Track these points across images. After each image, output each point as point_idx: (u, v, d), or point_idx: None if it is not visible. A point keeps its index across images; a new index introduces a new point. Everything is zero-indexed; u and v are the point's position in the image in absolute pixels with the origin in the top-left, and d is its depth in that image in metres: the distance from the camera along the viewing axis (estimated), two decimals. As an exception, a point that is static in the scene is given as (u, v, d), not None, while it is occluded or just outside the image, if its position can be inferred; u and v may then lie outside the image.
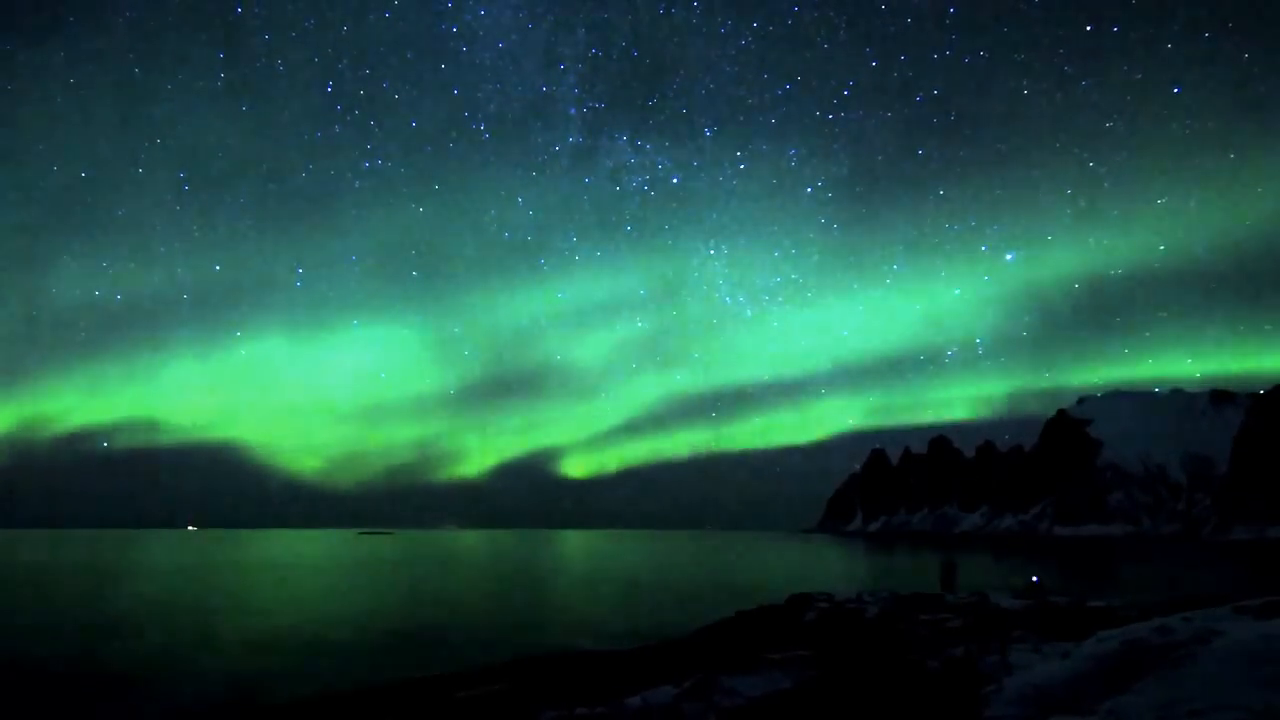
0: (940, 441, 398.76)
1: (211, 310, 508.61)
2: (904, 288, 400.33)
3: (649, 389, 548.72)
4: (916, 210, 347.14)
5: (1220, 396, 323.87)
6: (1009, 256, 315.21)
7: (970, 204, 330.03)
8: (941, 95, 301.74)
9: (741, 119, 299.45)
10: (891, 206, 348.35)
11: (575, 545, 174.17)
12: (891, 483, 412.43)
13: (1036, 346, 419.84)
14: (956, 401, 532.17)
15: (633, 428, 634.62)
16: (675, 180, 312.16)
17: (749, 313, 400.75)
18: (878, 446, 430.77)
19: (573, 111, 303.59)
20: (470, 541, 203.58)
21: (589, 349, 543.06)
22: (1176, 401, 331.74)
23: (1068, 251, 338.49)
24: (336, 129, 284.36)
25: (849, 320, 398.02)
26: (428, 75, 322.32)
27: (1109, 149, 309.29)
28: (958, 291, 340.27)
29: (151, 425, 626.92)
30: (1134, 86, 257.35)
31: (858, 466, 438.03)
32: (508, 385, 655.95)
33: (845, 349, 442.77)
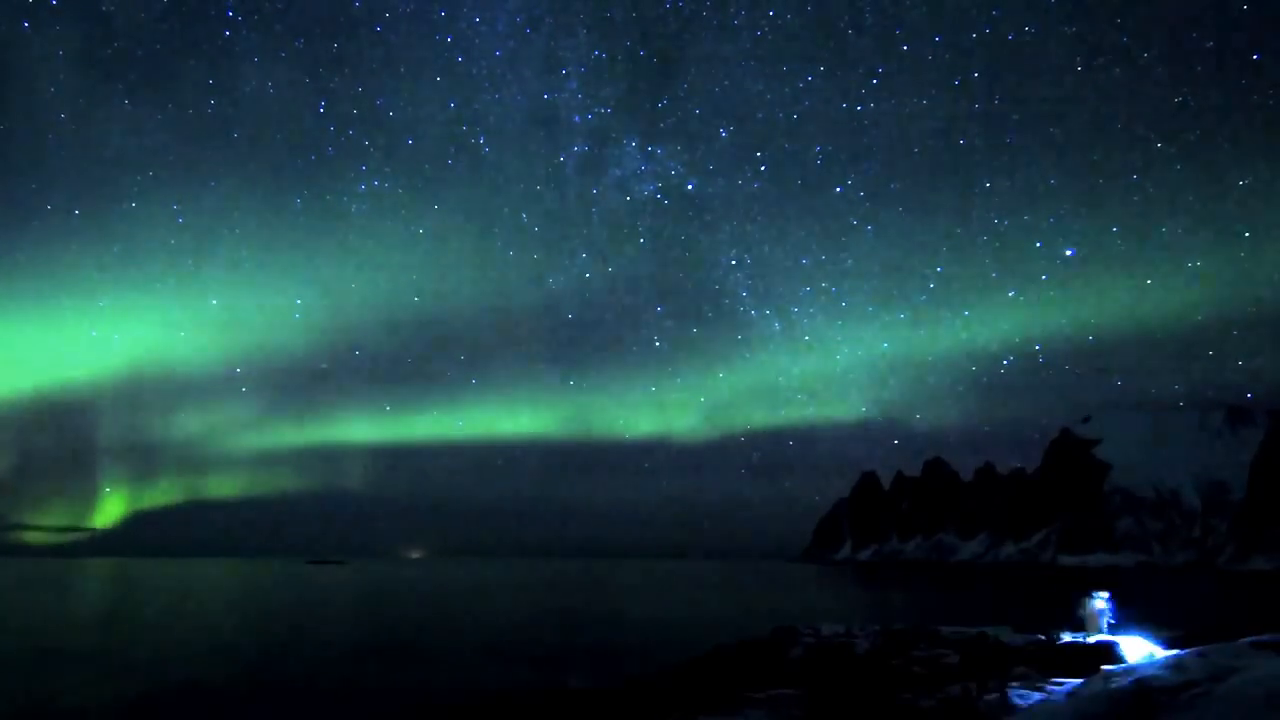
0: (936, 463, 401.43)
1: (209, 346, 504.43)
2: (949, 292, 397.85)
3: (667, 411, 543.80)
4: (960, 206, 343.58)
5: (1237, 415, 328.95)
6: (1069, 252, 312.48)
7: (1021, 196, 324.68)
8: (983, 78, 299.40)
9: (760, 116, 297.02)
10: (932, 203, 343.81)
11: (570, 570, 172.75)
12: (883, 508, 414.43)
13: (1100, 352, 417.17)
14: (1009, 415, 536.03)
15: (660, 453, 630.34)
16: (690, 186, 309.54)
17: (776, 326, 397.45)
18: (868, 469, 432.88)
19: (576, 119, 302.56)
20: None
21: (601, 372, 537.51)
22: (1190, 420, 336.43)
23: (1135, 244, 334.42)
24: (330, 151, 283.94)
25: (888, 331, 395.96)
26: (423, 89, 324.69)
27: (1178, 128, 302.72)
28: (1011, 294, 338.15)
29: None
30: (1204, 56, 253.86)
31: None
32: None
33: (885, 363, 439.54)
